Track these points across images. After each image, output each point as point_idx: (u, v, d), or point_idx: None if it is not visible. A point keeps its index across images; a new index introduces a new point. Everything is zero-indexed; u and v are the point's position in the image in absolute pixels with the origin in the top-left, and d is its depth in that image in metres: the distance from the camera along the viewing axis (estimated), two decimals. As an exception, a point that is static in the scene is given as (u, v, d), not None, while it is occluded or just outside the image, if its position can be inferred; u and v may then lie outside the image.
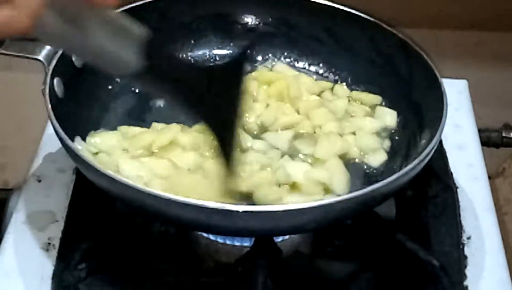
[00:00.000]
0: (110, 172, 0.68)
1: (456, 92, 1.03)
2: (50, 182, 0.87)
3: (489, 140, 1.03)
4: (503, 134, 1.03)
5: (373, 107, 0.91)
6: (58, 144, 0.90)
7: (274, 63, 0.98)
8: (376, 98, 0.92)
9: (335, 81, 0.96)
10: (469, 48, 1.27)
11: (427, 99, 0.83)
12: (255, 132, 0.87)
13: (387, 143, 0.87)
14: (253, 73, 0.94)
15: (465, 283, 0.77)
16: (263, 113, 0.88)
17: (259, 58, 0.98)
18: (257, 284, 0.72)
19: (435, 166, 0.87)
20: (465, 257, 0.80)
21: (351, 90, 0.94)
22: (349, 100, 0.92)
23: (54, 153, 0.90)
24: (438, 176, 0.87)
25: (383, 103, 0.91)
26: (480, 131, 1.00)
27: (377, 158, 0.85)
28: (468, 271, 0.78)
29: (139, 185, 0.67)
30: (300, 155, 0.83)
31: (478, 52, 1.28)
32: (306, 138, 0.85)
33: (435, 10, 1.25)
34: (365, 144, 0.85)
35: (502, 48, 1.27)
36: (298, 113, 0.89)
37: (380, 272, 0.79)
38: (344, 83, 0.95)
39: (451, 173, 0.90)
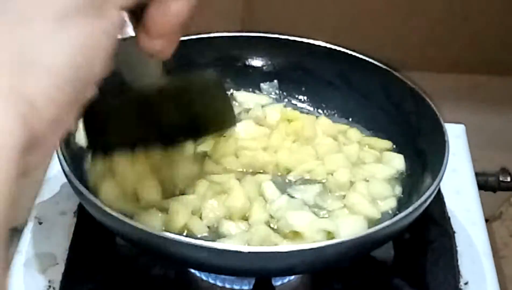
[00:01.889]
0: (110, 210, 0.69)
1: (453, 137, 1.03)
2: (51, 224, 0.87)
3: (486, 184, 1.03)
4: (500, 178, 1.04)
5: (381, 152, 0.91)
6: (60, 186, 0.91)
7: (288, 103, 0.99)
8: (386, 143, 0.92)
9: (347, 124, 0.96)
10: (466, 92, 1.28)
11: (431, 146, 0.84)
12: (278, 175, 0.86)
13: (398, 189, 0.86)
14: (275, 108, 0.95)
15: (463, 328, 0.78)
16: (284, 157, 0.87)
17: (274, 95, 1.00)
18: (256, 328, 0.72)
19: (433, 211, 0.88)
20: (463, 303, 0.80)
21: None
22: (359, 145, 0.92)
23: (56, 195, 0.91)
24: (435, 220, 0.88)
25: (393, 148, 0.92)
26: (477, 175, 1.00)
27: (387, 204, 0.84)
28: (466, 317, 0.79)
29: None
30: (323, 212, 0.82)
31: (475, 96, 1.29)
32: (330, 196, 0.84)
33: (432, 54, 1.27)
34: (377, 191, 0.84)
35: (499, 92, 1.29)
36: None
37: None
38: (355, 128, 0.95)
39: (449, 218, 0.90)
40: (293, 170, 0.86)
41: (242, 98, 0.98)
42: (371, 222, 0.79)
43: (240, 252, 0.66)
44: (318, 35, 0.97)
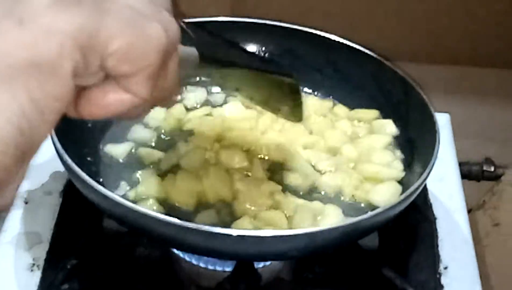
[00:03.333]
0: (100, 187, 0.69)
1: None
2: (37, 204, 0.88)
3: (470, 173, 1.05)
4: (484, 168, 1.05)
5: (371, 122, 0.93)
6: (46, 167, 0.91)
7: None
8: (374, 113, 0.93)
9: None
10: (451, 82, 1.29)
11: (422, 136, 0.85)
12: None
13: (398, 153, 0.89)
14: None
15: (441, 311, 0.79)
16: (273, 136, 0.89)
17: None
18: (236, 308, 0.73)
19: (415, 198, 0.89)
20: (442, 287, 0.81)
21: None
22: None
23: (42, 176, 0.91)
24: (417, 206, 0.89)
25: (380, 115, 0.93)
26: (461, 164, 1.01)
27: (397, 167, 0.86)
28: (444, 301, 0.80)
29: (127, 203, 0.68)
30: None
31: (460, 87, 1.30)
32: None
33: (417, 45, 1.28)
34: (384, 159, 0.87)
35: (484, 82, 1.30)
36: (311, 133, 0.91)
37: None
38: (340, 104, 0.97)
39: (431, 204, 0.91)
40: (288, 148, 0.87)
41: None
42: (400, 184, 0.83)
43: (228, 235, 0.65)
44: (308, 22, 0.97)
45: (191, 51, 0.63)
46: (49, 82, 0.34)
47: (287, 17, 0.99)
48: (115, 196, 0.68)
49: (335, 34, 0.96)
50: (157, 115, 0.91)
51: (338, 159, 0.87)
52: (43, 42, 0.34)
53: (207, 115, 0.93)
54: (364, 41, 0.94)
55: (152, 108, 0.50)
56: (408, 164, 0.86)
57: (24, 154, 0.35)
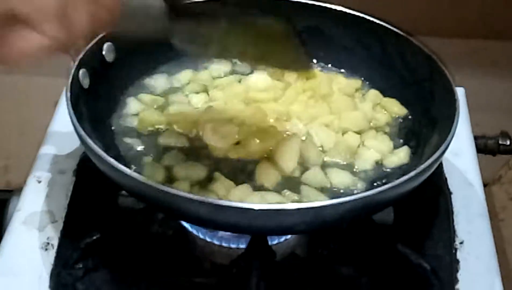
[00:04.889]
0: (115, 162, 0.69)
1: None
2: (50, 183, 0.88)
3: (485, 147, 1.03)
4: (500, 142, 1.04)
5: (394, 117, 0.92)
6: (59, 146, 0.92)
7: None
8: (402, 109, 0.92)
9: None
10: (466, 56, 1.28)
11: (440, 110, 0.84)
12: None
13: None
14: None
15: (457, 286, 0.78)
16: (298, 109, 0.89)
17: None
18: (251, 285, 0.73)
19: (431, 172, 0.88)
20: (457, 261, 0.81)
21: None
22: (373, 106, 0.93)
23: (55, 155, 0.91)
24: (433, 181, 0.88)
25: (409, 117, 0.91)
26: (476, 138, 1.01)
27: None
28: (460, 275, 0.79)
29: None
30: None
31: (475, 60, 1.29)
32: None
33: (432, 18, 1.27)
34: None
35: (499, 56, 1.28)
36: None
37: (374, 275, 0.80)
38: (374, 89, 0.96)
39: (446, 179, 0.91)
40: (308, 123, 0.87)
41: None
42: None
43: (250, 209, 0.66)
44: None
45: (155, 1, 0.61)
46: None
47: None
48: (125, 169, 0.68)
49: (352, 8, 0.95)
50: (183, 76, 0.95)
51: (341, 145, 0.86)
52: None
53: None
54: (379, 16, 0.93)
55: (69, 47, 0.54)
56: (424, 141, 0.85)
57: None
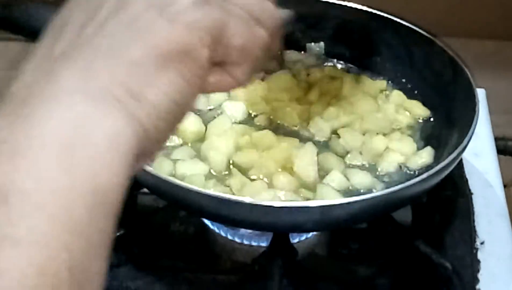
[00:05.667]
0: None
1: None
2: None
3: (505, 148, 1.03)
4: (520, 143, 1.04)
5: (416, 119, 0.91)
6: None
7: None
8: (424, 111, 0.91)
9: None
10: (486, 57, 1.28)
11: (461, 110, 0.84)
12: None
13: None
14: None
15: (478, 286, 0.78)
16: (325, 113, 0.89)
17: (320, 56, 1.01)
18: (273, 282, 0.73)
19: (451, 173, 0.88)
20: (478, 262, 0.81)
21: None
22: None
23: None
24: (453, 182, 0.88)
25: (431, 118, 0.91)
26: (496, 139, 1.01)
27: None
28: (481, 276, 0.79)
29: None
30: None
31: (495, 61, 1.28)
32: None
33: (452, 20, 1.27)
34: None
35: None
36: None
37: (394, 275, 0.80)
38: (398, 90, 0.95)
39: (467, 180, 0.91)
40: (329, 123, 0.87)
41: (288, 57, 0.99)
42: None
43: (270, 206, 0.66)
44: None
45: None
46: (194, 65, 0.45)
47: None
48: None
49: (375, 8, 0.94)
50: None
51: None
52: (189, 36, 0.44)
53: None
54: (401, 16, 0.93)
55: None
56: (444, 142, 0.85)
57: (175, 119, 0.44)
